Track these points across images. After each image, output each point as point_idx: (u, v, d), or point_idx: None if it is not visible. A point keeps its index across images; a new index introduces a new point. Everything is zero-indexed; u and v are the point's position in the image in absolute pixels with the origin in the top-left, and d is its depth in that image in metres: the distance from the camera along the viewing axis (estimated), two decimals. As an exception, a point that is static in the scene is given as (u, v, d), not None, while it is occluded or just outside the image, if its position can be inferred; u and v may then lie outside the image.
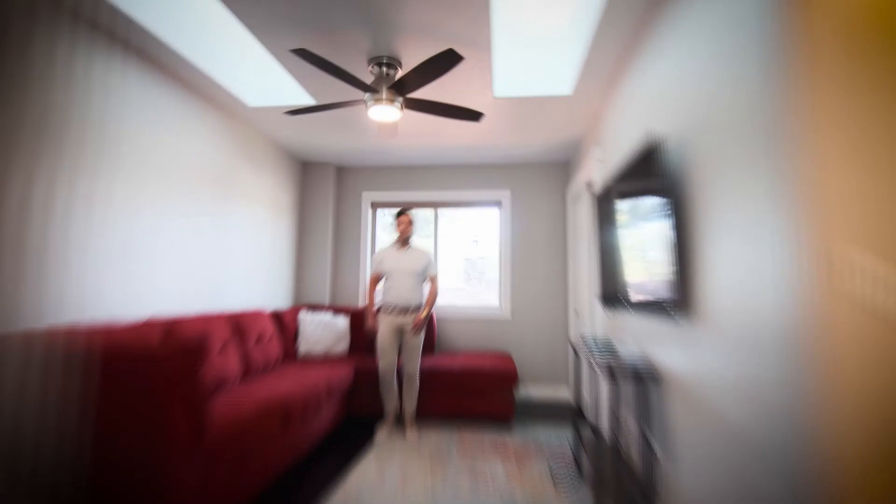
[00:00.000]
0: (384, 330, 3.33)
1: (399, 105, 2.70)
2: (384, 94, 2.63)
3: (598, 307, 3.23)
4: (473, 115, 2.94)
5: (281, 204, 4.36)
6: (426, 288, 3.49)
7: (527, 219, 4.71)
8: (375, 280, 3.49)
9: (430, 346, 4.22)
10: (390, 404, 3.41)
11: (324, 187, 4.79)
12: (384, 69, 2.68)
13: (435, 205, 4.89)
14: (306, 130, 3.85)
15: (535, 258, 4.66)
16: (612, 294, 2.63)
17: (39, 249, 2.00)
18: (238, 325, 3.19)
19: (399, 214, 3.48)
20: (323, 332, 4.07)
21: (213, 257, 3.31)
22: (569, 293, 4.47)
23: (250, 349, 3.20)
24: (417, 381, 3.43)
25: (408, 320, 3.34)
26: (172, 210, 2.89)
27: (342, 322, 4.19)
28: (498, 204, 4.80)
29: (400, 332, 3.36)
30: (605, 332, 3.15)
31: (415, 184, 4.88)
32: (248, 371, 3.15)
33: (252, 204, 3.85)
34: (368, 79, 2.84)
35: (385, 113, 2.71)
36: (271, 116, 3.56)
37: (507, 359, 3.94)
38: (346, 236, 4.92)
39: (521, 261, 4.67)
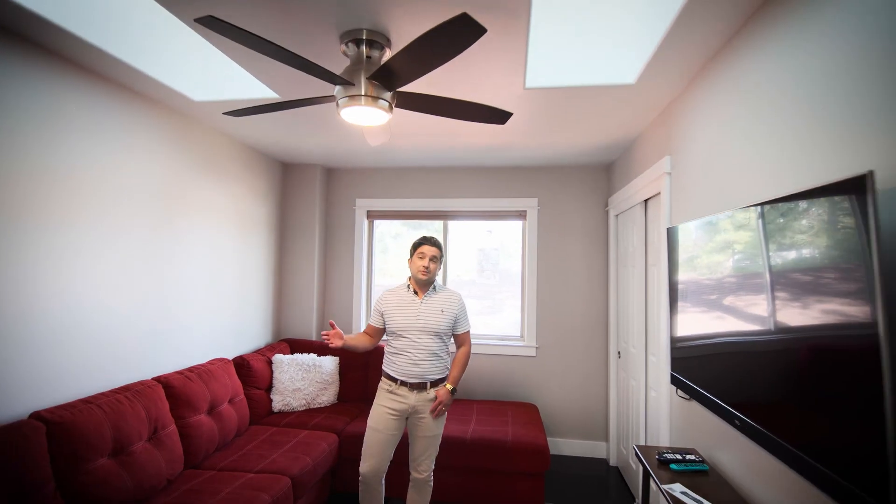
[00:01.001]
0: (381, 413, 2.28)
1: (386, 104, 1.82)
2: (363, 87, 1.75)
3: (658, 358, 2.38)
4: (499, 117, 2.05)
5: (254, 217, 3.53)
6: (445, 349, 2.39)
7: (557, 234, 3.82)
8: (370, 336, 2.44)
9: (436, 395, 3.41)
10: None
11: (308, 194, 3.95)
12: (364, 49, 1.80)
13: (445, 216, 4.02)
14: (279, 127, 2.99)
15: (566, 284, 3.78)
16: (700, 376, 1.75)
17: None
18: (178, 396, 2.40)
19: (420, 244, 2.39)
20: (304, 377, 3.29)
21: (149, 303, 2.51)
22: (609, 329, 3.60)
23: (194, 426, 2.42)
24: (431, 486, 2.41)
25: (422, 401, 2.28)
26: (63, 251, 2.08)
27: (329, 364, 3.40)
28: (522, 216, 3.90)
29: (405, 418, 2.32)
30: (674, 412, 2.29)
31: (420, 189, 4.01)
32: (193, 457, 2.38)
33: (211, 222, 3.03)
34: (340, 63, 1.96)
35: (365, 116, 1.84)
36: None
37: (533, 420, 3.11)
38: (337, 254, 4.09)
39: (548, 285, 3.80)
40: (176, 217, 2.70)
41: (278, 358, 3.29)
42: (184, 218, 2.77)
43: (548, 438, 3.61)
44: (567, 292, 3.77)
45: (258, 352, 3.34)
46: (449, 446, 2.78)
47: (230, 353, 3.20)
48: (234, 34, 1.36)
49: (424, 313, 2.32)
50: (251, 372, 3.07)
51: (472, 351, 3.76)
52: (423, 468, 2.34)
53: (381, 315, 2.40)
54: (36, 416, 1.80)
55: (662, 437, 2.39)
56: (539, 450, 2.70)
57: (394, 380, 2.30)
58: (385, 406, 2.29)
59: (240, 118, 2.78)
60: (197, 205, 2.88)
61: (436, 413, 2.28)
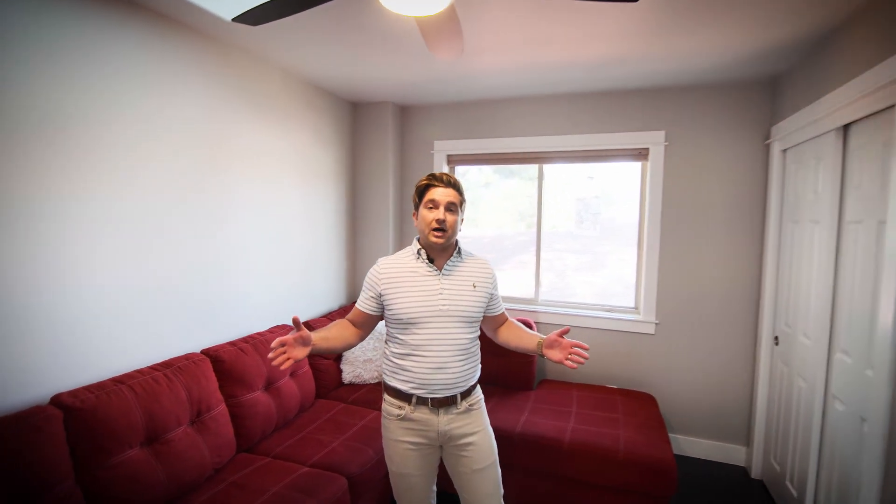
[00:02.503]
0: (401, 451, 1.57)
1: (445, -29, 1.15)
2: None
3: (859, 361, 1.54)
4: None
5: (320, 165, 3.12)
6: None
7: (690, 178, 2.89)
8: (353, 326, 1.63)
9: (528, 374, 2.85)
10: None
11: (380, 138, 3.43)
12: None
13: (541, 158, 3.27)
14: (344, 55, 2.45)
15: (700, 243, 2.89)
16: None
17: None
18: (228, 371, 2.12)
19: (428, 186, 1.58)
20: (377, 347, 2.92)
21: (198, 268, 2.22)
22: (763, 304, 2.70)
23: (248, 405, 2.14)
24: None
25: (455, 422, 1.55)
26: (106, 219, 1.78)
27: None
28: (642, 155, 3.02)
29: (437, 448, 1.60)
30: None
31: (509, 127, 3.28)
32: (246, 440, 2.11)
33: (269, 174, 2.65)
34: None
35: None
36: (275, 34, 2.20)
37: (651, 419, 2.43)
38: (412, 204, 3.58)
39: (675, 246, 2.94)
40: (224, 167, 2.34)
41: (348, 325, 2.94)
42: (234, 169, 2.41)
43: (671, 435, 2.92)
44: (702, 254, 2.89)
45: (327, 316, 3.02)
46: (543, 449, 2.23)
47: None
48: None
49: (449, 290, 1.55)
50: (317, 340, 2.75)
51: (572, 324, 3.11)
52: None
53: (379, 297, 1.57)
54: (56, 400, 1.56)
55: (864, 477, 1.59)
56: (663, 468, 2.03)
57: (405, 397, 1.54)
58: (401, 441, 1.56)
59: (302, 39, 2.28)
60: (250, 153, 2.50)
61: (568, 357, 1.48)
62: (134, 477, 1.60)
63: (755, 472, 2.72)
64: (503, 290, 3.38)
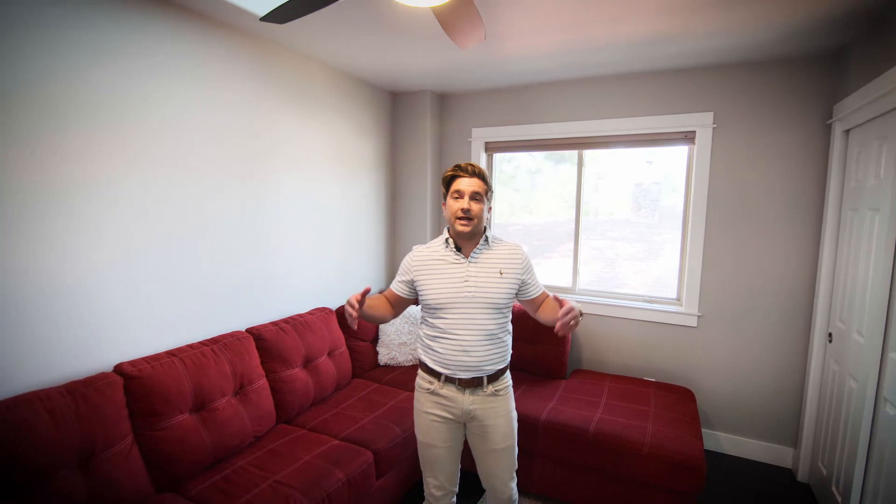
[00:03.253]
0: (428, 423, 1.68)
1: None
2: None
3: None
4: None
5: (360, 155, 3.23)
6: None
7: (741, 161, 2.72)
8: (388, 300, 1.76)
9: (560, 364, 2.85)
10: None
11: (419, 126, 3.48)
12: None
13: (582, 143, 3.19)
14: (374, 45, 2.51)
15: (750, 232, 2.72)
16: None
17: None
18: (269, 349, 2.29)
19: (454, 177, 1.64)
20: (412, 331, 3.02)
21: (245, 253, 2.39)
22: (817, 299, 2.51)
23: (287, 380, 2.30)
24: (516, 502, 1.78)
25: (480, 403, 1.63)
26: (159, 209, 1.97)
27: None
28: (688, 138, 2.87)
29: (462, 424, 1.69)
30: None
31: (546, 112, 3.22)
32: (285, 412, 2.28)
33: (309, 163, 2.79)
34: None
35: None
36: (308, 28, 2.30)
37: (685, 414, 2.35)
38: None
39: (723, 234, 2.79)
40: (268, 157, 2.50)
41: (384, 309, 3.06)
42: (277, 159, 2.56)
43: (711, 432, 2.84)
44: (751, 245, 2.72)
45: (365, 300, 3.15)
46: (568, 436, 2.23)
47: (336, 303, 3.06)
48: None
49: (475, 277, 1.61)
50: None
51: (610, 314, 3.07)
52: (499, 488, 1.70)
53: (411, 282, 1.68)
54: (118, 368, 1.77)
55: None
56: (690, 464, 1.98)
57: (435, 374, 1.64)
58: (431, 414, 1.66)
59: (339, 32, 2.37)
60: (289, 144, 2.65)
61: (564, 328, 1.42)
62: (183, 439, 1.79)
63: (801, 476, 2.56)
64: (546, 279, 3.35)
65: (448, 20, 1.57)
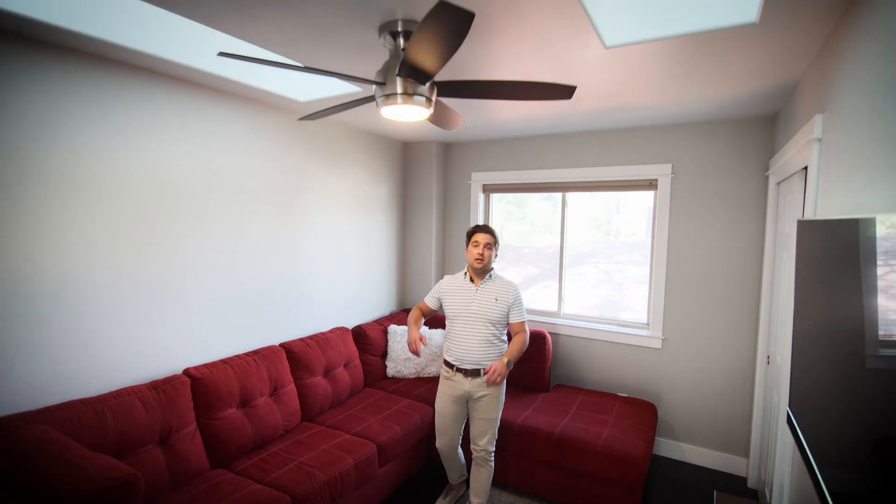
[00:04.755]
0: (443, 398, 2.51)
1: (423, 99, 1.73)
2: (397, 85, 1.70)
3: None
4: (561, 92, 1.77)
5: (374, 197, 3.82)
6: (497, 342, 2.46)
7: (695, 207, 3.17)
8: (422, 312, 2.59)
9: (541, 378, 3.31)
10: (454, 473, 2.71)
11: (426, 169, 4.06)
12: (400, 42, 1.72)
13: (563, 187, 3.70)
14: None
15: (704, 268, 3.15)
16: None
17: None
18: (297, 360, 2.85)
19: (474, 232, 2.50)
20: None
21: (279, 281, 2.98)
22: (760, 326, 2.92)
23: (310, 386, 2.85)
24: (492, 466, 2.53)
25: (476, 386, 2.41)
26: (215, 245, 2.58)
27: (438, 338, 3.57)
28: (651, 185, 3.34)
29: (465, 402, 2.49)
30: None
31: (535, 160, 3.75)
32: (308, 412, 2.82)
33: (333, 206, 3.39)
34: (381, 58, 1.92)
35: (405, 112, 1.79)
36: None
37: (642, 423, 2.78)
38: (454, 226, 4.16)
39: (681, 269, 3.23)
40: (299, 204, 3.10)
41: (393, 328, 3.60)
42: (306, 204, 3.16)
43: (675, 443, 3.23)
44: (705, 278, 3.15)
45: (378, 321, 3.70)
46: (537, 438, 2.70)
47: (353, 322, 3.62)
48: (257, 61, 1.45)
49: (479, 300, 2.43)
50: (367, 340, 3.43)
51: (589, 336, 3.52)
52: (479, 447, 2.48)
53: (439, 299, 2.55)
54: (186, 372, 2.36)
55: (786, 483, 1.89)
56: (630, 460, 2.42)
57: (450, 366, 2.46)
58: (445, 392, 2.49)
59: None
60: (318, 191, 3.25)
61: (490, 380, 2.32)
62: (231, 428, 2.35)
63: (751, 482, 2.93)
64: (537, 304, 3.84)
65: (433, 119, 2.14)
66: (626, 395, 3.35)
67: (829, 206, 1.65)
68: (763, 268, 2.91)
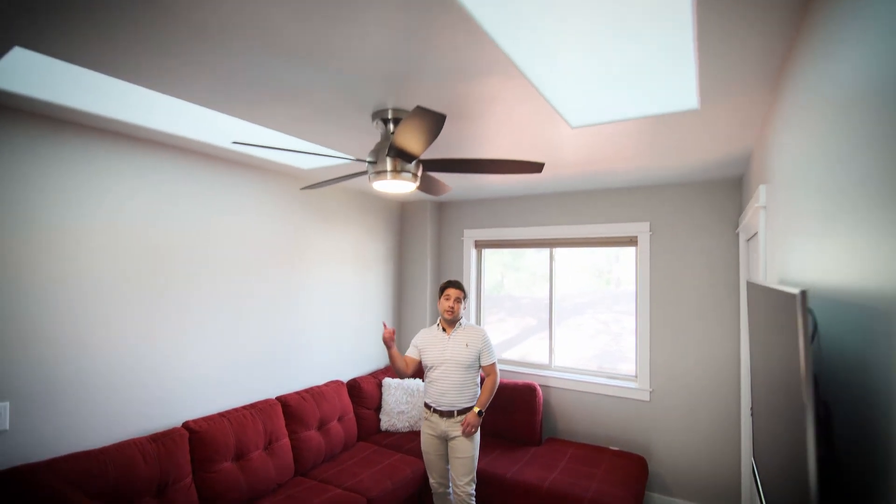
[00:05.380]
0: (425, 437, 2.71)
1: (410, 175, 1.96)
2: (387, 163, 1.93)
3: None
4: (532, 167, 2.01)
5: (372, 254, 4.03)
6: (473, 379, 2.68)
7: (674, 263, 3.35)
8: (407, 364, 2.71)
9: (532, 432, 3.36)
10: None
11: (420, 227, 4.30)
12: (390, 127, 1.98)
13: (550, 244, 3.91)
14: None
15: (684, 321, 3.29)
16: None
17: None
18: (293, 413, 2.93)
19: (446, 287, 2.78)
20: (409, 401, 3.60)
21: (278, 335, 3.13)
22: (742, 379, 3.01)
23: (304, 440, 2.92)
24: None
25: (451, 426, 2.62)
26: (217, 301, 2.76)
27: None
28: (632, 242, 3.55)
29: (444, 440, 2.67)
30: None
31: (523, 217, 3.98)
32: (301, 466, 2.88)
33: (332, 265, 3.59)
34: (373, 139, 2.18)
35: (394, 186, 2.01)
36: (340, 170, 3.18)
37: (631, 477, 2.81)
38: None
39: (663, 322, 3.36)
40: (299, 264, 3.30)
41: (387, 381, 3.69)
42: (306, 264, 3.36)
43: (667, 498, 3.22)
44: (687, 331, 3.28)
45: (372, 374, 3.79)
46: (525, 493, 2.73)
47: (348, 375, 3.72)
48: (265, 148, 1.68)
49: (452, 347, 2.67)
50: (362, 393, 3.52)
51: (579, 389, 3.59)
52: (459, 487, 2.61)
53: (418, 349, 2.76)
54: (185, 425, 2.46)
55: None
56: (618, 516, 2.45)
57: (429, 408, 2.69)
58: (426, 432, 2.71)
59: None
60: (318, 249, 3.46)
61: (465, 433, 2.57)
62: (226, 481, 2.42)
63: (745, 538, 2.91)
64: (529, 357, 3.94)
65: (421, 188, 2.37)
66: (616, 448, 3.38)
67: (775, 268, 1.82)
68: (741, 321, 3.04)
